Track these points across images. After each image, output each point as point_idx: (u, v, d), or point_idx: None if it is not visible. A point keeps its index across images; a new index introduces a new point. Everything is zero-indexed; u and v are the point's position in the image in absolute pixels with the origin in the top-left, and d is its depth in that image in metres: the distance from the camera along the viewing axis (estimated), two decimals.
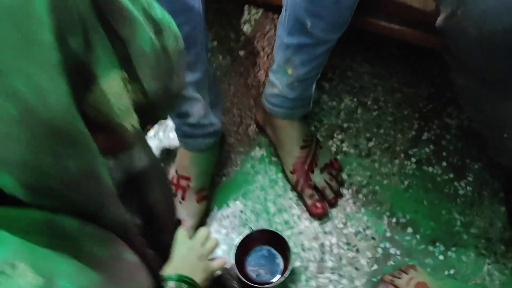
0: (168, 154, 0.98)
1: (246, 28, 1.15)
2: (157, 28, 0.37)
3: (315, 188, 0.89)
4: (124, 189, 0.35)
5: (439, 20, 0.54)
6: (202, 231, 0.73)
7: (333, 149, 0.97)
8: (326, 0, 0.69)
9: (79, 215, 0.28)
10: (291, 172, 0.90)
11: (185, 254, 0.67)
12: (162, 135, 1.00)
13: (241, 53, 1.11)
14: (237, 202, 0.92)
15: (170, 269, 0.63)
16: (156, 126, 1.01)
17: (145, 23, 0.34)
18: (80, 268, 0.27)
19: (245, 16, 1.17)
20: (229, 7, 1.18)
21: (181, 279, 0.62)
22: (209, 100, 0.83)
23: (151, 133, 1.00)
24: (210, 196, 0.91)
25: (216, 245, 0.74)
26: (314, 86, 0.88)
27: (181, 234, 0.75)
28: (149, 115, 0.37)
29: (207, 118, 0.82)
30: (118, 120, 0.32)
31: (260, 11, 1.16)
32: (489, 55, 0.49)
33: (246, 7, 1.17)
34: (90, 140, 0.28)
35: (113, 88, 0.31)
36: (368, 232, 0.88)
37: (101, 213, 0.29)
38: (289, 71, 0.82)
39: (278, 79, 0.85)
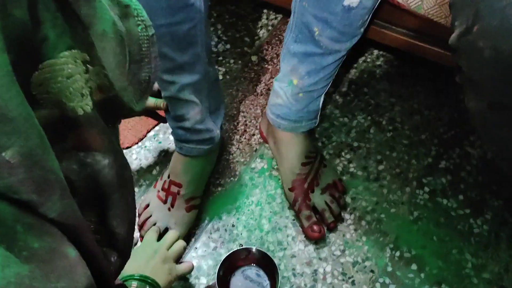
0: (166, 156, 0.93)
1: (262, 33, 1.10)
2: (123, 12, 0.34)
3: (313, 209, 0.83)
4: (82, 193, 0.33)
5: (453, 37, 0.47)
6: (171, 233, 0.74)
7: (339, 169, 0.90)
8: (336, 7, 0.63)
9: (18, 203, 0.25)
10: (290, 190, 0.84)
11: (150, 256, 0.68)
12: (162, 137, 0.96)
13: (254, 58, 1.06)
14: (230, 215, 0.86)
15: (133, 270, 0.64)
16: (157, 127, 0.97)
17: (107, 4, 0.32)
18: (7, 258, 0.25)
19: (263, 20, 1.12)
20: (247, 10, 1.13)
21: (144, 279, 0.63)
22: (208, 105, 0.78)
23: (151, 133, 0.96)
24: (202, 205, 0.86)
25: (184, 248, 0.74)
26: (321, 99, 0.81)
27: (148, 236, 0.75)
28: (118, 107, 0.35)
29: (204, 123, 0.77)
30: (69, 104, 0.30)
31: (279, 16, 1.11)
32: (505, 78, 0.42)
33: (265, 11, 1.12)
34: (34, 121, 0.26)
35: (65, 69, 0.30)
36: (367, 263, 0.80)
37: (46, 205, 0.27)
38: (295, 81, 0.76)
39: (282, 89, 0.79)
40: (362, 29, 0.69)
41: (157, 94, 0.78)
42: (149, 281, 0.63)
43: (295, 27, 0.71)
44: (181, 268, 0.71)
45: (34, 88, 0.28)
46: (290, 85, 0.77)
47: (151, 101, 0.77)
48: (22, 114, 0.25)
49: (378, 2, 0.66)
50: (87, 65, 0.31)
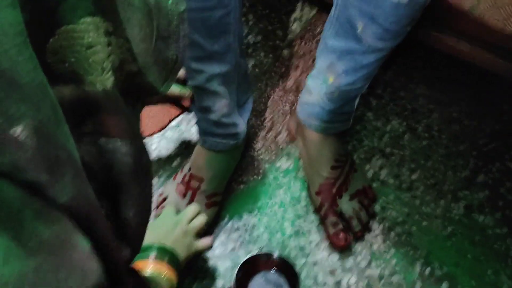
0: (187, 148, 0.89)
1: (295, 26, 1.05)
2: None
3: (340, 215, 0.78)
4: (99, 180, 0.30)
5: None
6: (192, 207, 0.70)
7: (370, 175, 0.85)
8: (384, 2, 0.58)
9: (26, 184, 0.22)
10: (316, 194, 0.79)
11: (170, 228, 0.65)
12: (185, 127, 0.92)
13: (285, 52, 1.01)
14: (252, 215, 0.82)
15: (152, 240, 0.61)
16: (180, 117, 0.93)
17: None
18: (10, 250, 0.21)
19: (297, 13, 1.07)
20: (281, 2, 1.08)
21: (163, 249, 0.61)
22: (236, 98, 0.74)
23: (173, 123, 0.93)
24: (223, 203, 0.82)
25: (205, 223, 0.70)
26: (357, 101, 0.76)
27: (168, 209, 0.72)
28: (140, 87, 0.31)
29: (231, 117, 0.73)
30: (87, 77, 0.27)
31: (314, 10, 1.06)
32: None
33: (300, 4, 1.07)
34: (47, 89, 0.23)
35: (85, 37, 0.26)
36: (394, 278, 0.75)
37: (57, 187, 0.23)
38: (330, 79, 0.71)
39: (316, 86, 0.75)
40: (408, 28, 0.63)
41: (183, 83, 0.74)
42: (167, 251, 0.61)
43: (336, 20, 0.66)
44: (200, 244, 0.68)
45: (50, 56, 0.25)
46: (325, 83, 0.72)
47: (176, 89, 0.73)
48: (35, 81, 0.22)
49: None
50: (111, 36, 0.27)
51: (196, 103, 0.72)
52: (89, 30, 0.26)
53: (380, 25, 0.61)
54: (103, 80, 0.27)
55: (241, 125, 0.76)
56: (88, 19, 0.26)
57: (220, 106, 0.71)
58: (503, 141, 0.87)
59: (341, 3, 0.64)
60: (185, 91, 0.73)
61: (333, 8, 0.67)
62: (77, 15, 0.26)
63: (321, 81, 0.74)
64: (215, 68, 0.66)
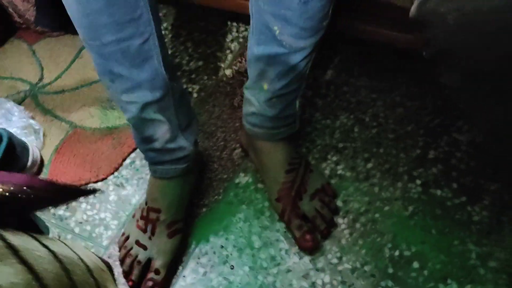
0: (145, 184, 0.89)
1: (234, 46, 1.07)
2: None
3: (304, 217, 0.78)
4: None
5: (413, 9, 0.44)
6: None
7: (327, 172, 0.86)
8: (292, 1, 0.60)
9: None
10: (276, 200, 0.79)
11: None
12: (139, 163, 0.92)
13: (228, 72, 1.03)
14: (218, 236, 0.81)
15: None
16: (133, 154, 0.93)
17: None
18: None
19: (233, 33, 1.09)
20: (216, 25, 1.11)
21: None
22: (177, 122, 0.74)
23: (127, 161, 0.92)
24: (186, 229, 0.81)
25: None
26: (297, 102, 0.78)
27: None
28: None
29: (175, 142, 0.73)
30: None
31: (249, 27, 1.09)
32: (473, 42, 0.38)
33: (235, 24, 1.10)
34: None
35: None
36: (366, 268, 0.75)
37: None
38: (265, 86, 0.73)
39: (254, 96, 0.76)
40: (325, 23, 0.66)
41: None
42: None
43: (255, 29, 0.68)
44: None
45: None
46: (261, 90, 0.74)
47: None
48: None
49: None
50: None
51: (137, 135, 0.72)
52: None
53: (295, 25, 0.63)
54: None
55: (188, 148, 0.76)
56: None
57: (161, 133, 0.71)
58: (446, 115, 0.90)
59: (255, 12, 0.66)
60: None
61: (251, 18, 0.69)
62: None
63: (257, 90, 0.75)
64: (147, 96, 0.66)
